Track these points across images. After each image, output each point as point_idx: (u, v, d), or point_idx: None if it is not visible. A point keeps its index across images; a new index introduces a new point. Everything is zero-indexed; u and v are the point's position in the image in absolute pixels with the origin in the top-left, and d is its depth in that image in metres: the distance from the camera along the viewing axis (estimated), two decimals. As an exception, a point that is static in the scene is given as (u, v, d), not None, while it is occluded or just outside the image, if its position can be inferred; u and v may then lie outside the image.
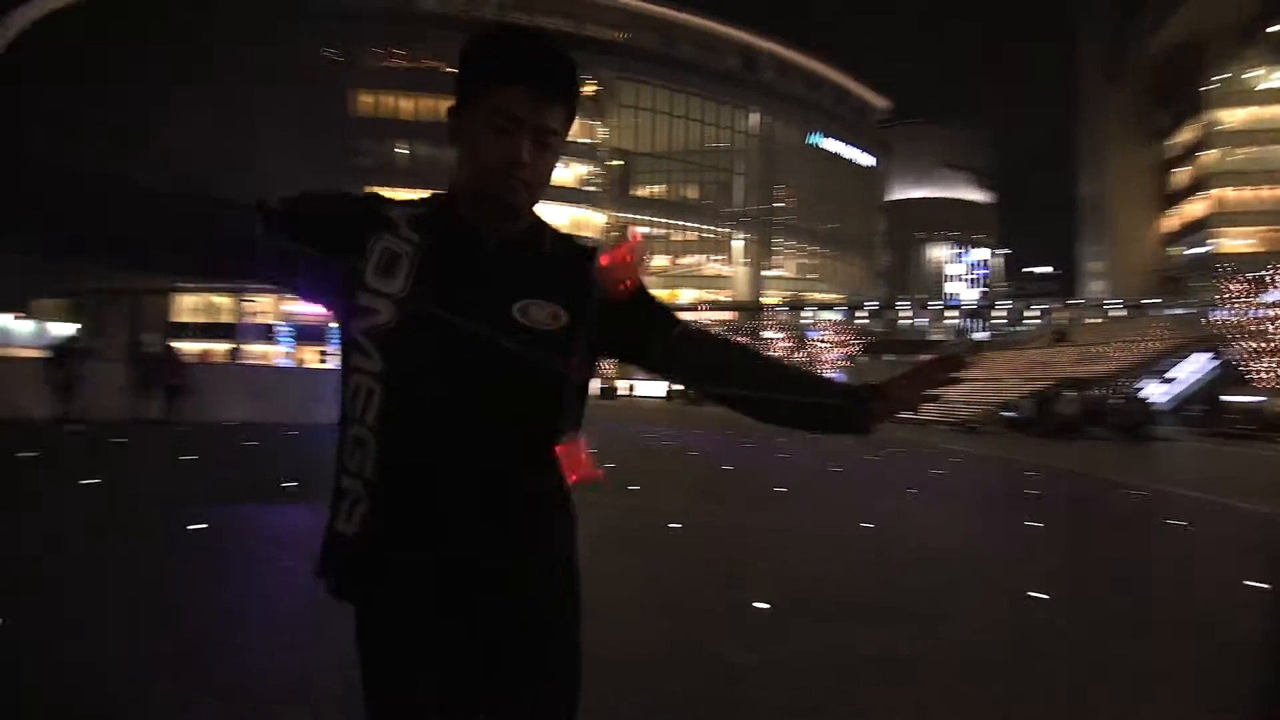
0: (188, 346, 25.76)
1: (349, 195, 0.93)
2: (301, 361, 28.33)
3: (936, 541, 5.07)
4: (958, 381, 0.90)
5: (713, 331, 1.05)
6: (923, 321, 47.76)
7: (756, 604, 3.11)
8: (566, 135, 0.90)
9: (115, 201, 0.77)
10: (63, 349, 10.67)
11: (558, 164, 0.93)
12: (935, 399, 0.93)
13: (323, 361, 25.96)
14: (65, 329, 18.83)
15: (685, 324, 1.00)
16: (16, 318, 26.90)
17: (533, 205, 0.90)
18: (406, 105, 38.87)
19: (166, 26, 32.30)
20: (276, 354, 31.85)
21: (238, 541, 4.01)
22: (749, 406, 0.97)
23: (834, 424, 0.98)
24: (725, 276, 48.61)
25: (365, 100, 39.13)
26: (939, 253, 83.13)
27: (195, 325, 34.25)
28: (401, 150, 39.10)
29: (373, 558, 0.84)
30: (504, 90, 0.81)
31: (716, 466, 9.03)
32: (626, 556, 3.82)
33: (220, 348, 31.38)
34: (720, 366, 0.95)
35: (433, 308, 0.82)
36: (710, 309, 43.17)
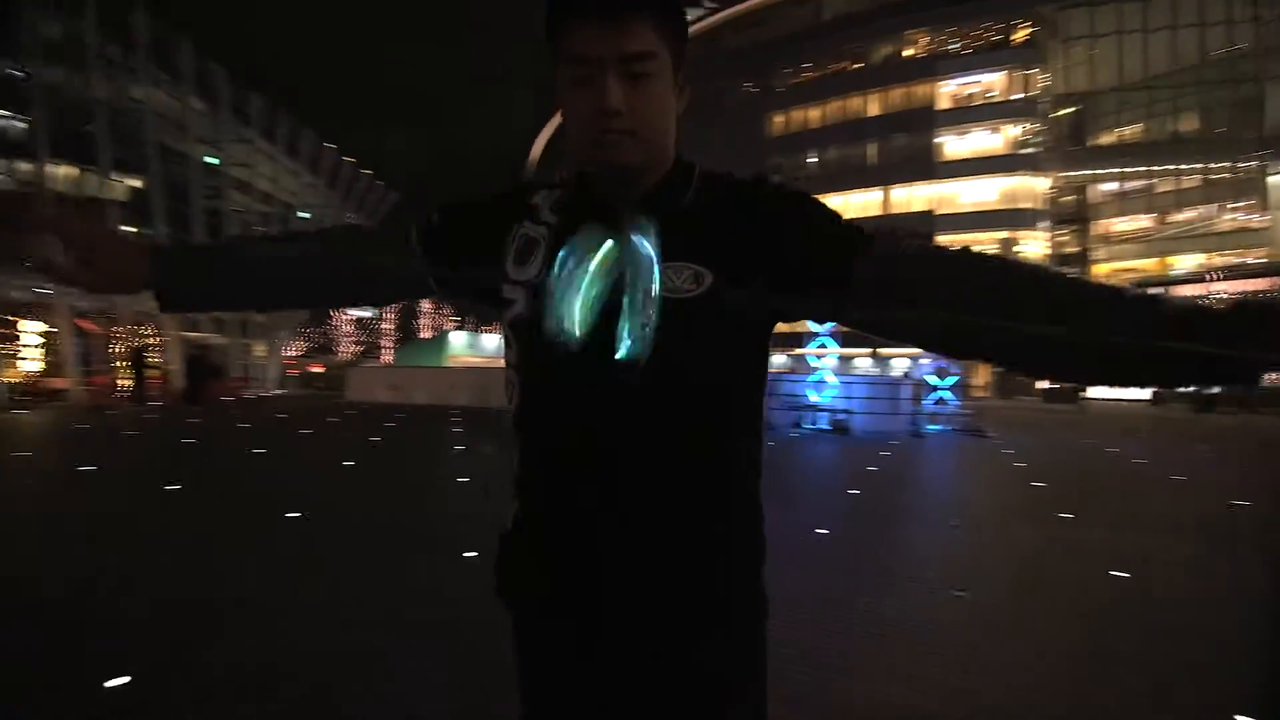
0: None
1: (494, 194, 0.87)
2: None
3: None
4: None
5: (946, 247, 0.74)
6: None
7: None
8: (678, 52, 0.74)
9: (303, 259, 0.87)
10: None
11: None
12: None
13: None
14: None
15: (896, 241, 0.73)
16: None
17: (653, 153, 0.74)
18: (814, 115, 40.18)
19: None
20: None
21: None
22: (1059, 362, 0.69)
23: (1224, 372, 0.62)
24: (1253, 230, 34.40)
25: (778, 120, 41.96)
26: None
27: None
28: (811, 159, 40.55)
29: (516, 560, 0.81)
30: (571, 31, 0.69)
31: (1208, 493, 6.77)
32: (1053, 625, 2.95)
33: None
34: (979, 302, 0.67)
35: (534, 288, 0.75)
36: (1226, 278, 31.27)
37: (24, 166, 17.94)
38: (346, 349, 51.06)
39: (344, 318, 48.27)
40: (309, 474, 6.61)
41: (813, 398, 12.33)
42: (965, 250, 0.73)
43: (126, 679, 2.15)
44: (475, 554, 3.55)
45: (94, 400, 15.95)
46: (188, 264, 0.89)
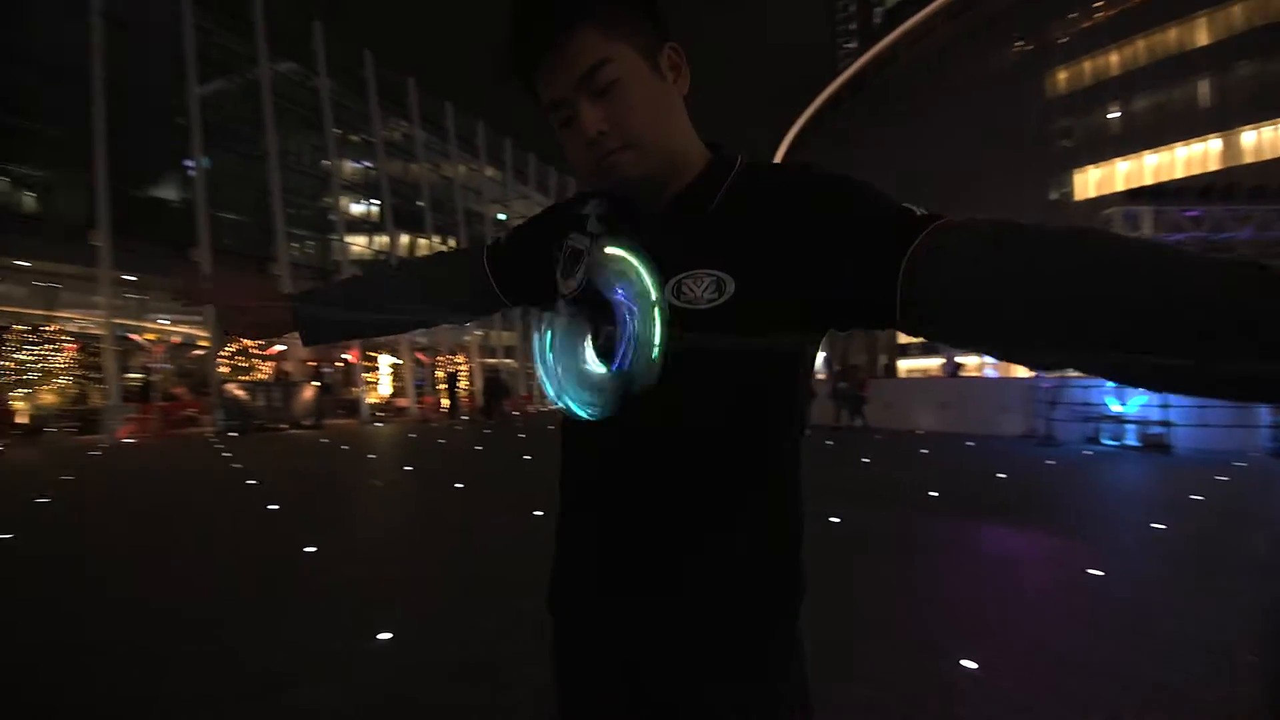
0: (909, 364, 29.61)
1: (556, 204, 0.87)
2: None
3: None
4: None
5: (1019, 224, 0.55)
6: None
7: None
8: (644, 36, 0.68)
9: (403, 286, 0.96)
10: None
11: None
12: None
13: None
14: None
15: (953, 224, 0.58)
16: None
17: (661, 155, 0.69)
18: (1113, 60, 32.90)
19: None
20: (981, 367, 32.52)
21: (845, 540, 4.64)
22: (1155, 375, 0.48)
23: None
24: None
25: (1061, 77, 35.39)
26: None
27: (915, 345, 38.87)
28: (1112, 115, 33.25)
29: (556, 577, 0.81)
30: (536, 82, 0.68)
31: None
32: None
33: (934, 364, 34.54)
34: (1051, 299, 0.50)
35: (574, 303, 0.75)
36: None
37: (381, 240, 23.71)
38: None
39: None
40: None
41: (1114, 407, 9.98)
42: (1076, 230, 0.52)
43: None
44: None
45: (424, 415, 20.30)
46: (318, 307, 1.00)
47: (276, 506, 5.50)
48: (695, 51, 0.74)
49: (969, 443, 10.50)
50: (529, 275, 0.83)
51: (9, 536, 4.48)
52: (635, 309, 0.67)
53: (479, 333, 27.42)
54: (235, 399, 15.19)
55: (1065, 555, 3.94)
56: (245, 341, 16.04)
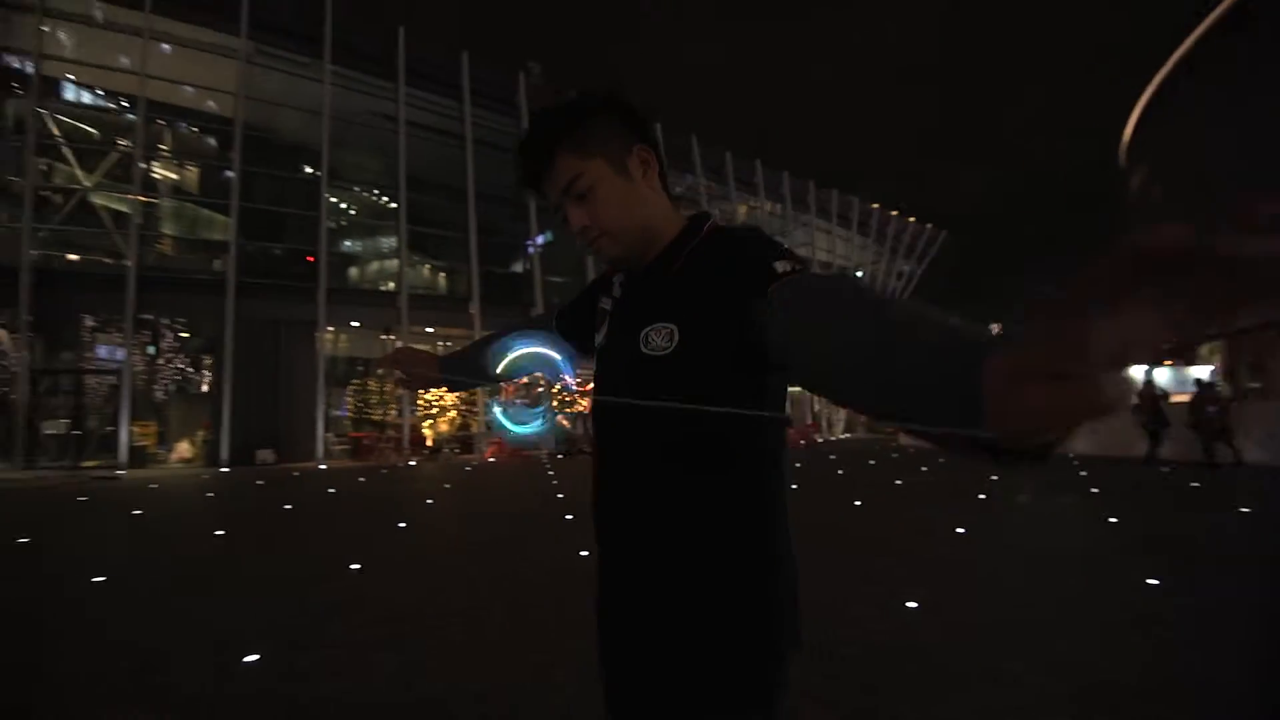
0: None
1: (597, 278, 1.06)
2: None
3: None
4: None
5: (851, 283, 0.65)
6: None
7: None
8: (611, 146, 0.86)
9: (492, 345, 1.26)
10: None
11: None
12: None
13: None
14: (1200, 371, 19.35)
15: (798, 277, 0.71)
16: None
17: (633, 237, 0.87)
18: None
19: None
20: None
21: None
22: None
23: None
24: None
25: None
26: None
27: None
28: None
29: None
30: (541, 193, 0.90)
31: None
32: None
33: None
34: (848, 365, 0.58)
35: (599, 352, 0.95)
36: None
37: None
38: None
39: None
40: (819, 504, 7.43)
41: None
42: (890, 300, 0.60)
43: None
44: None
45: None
46: (454, 363, 1.32)
47: (571, 517, 6.71)
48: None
49: None
50: (584, 330, 1.06)
51: (404, 525, 6.45)
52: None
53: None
54: (562, 428, 18.46)
55: None
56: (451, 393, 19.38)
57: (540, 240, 21.49)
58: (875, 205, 35.00)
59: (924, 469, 11.61)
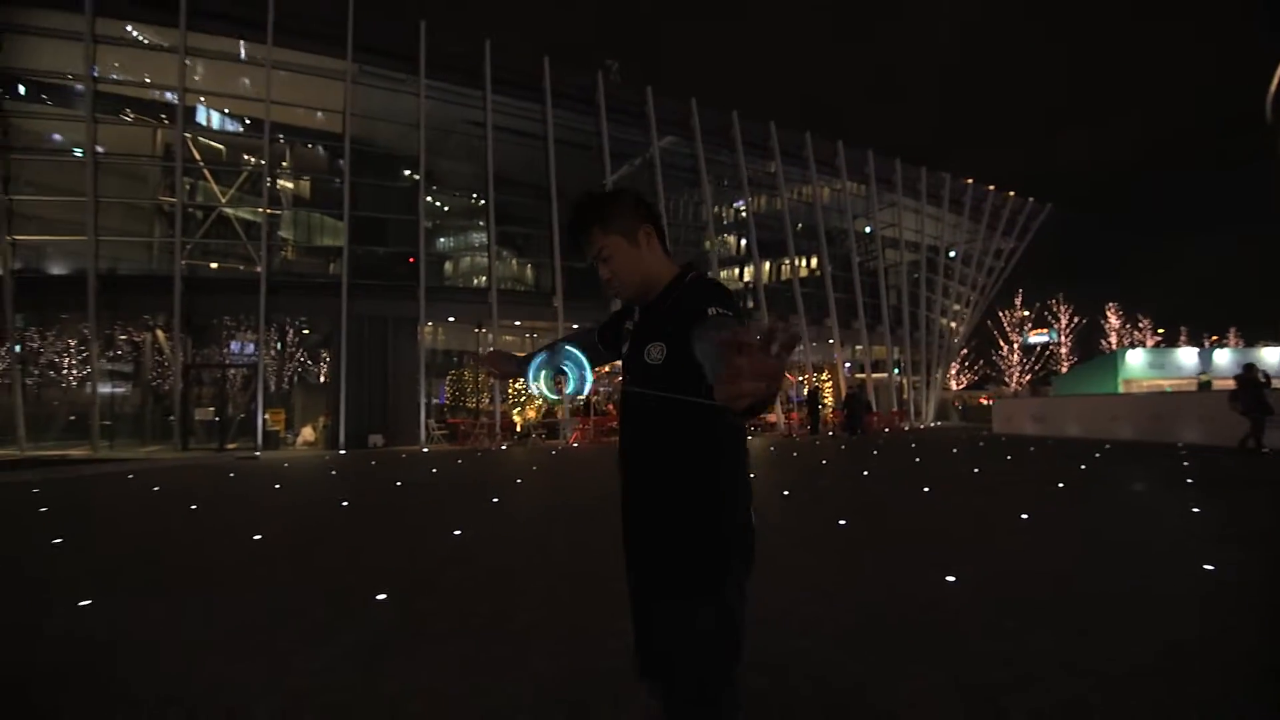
0: None
1: (621, 308, 1.61)
2: None
3: None
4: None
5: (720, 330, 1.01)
6: None
7: None
8: (626, 225, 1.40)
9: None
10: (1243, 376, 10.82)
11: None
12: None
13: None
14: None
15: (716, 317, 1.20)
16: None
17: (637, 286, 1.41)
18: None
19: None
20: None
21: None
22: None
23: None
24: None
25: None
26: None
27: None
28: None
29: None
30: (582, 259, 1.49)
31: None
32: None
33: None
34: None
35: (621, 359, 1.50)
36: None
37: (765, 266, 26.24)
38: (1017, 379, 48.23)
39: (1008, 348, 46.11)
40: (892, 490, 7.57)
41: None
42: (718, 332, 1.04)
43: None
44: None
45: (789, 430, 21.60)
46: (524, 361, 1.78)
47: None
48: None
49: None
50: (615, 342, 1.63)
51: (496, 500, 7.22)
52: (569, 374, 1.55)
53: (858, 347, 27.57)
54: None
55: None
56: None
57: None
58: (969, 180, 33.12)
59: (1008, 458, 11.28)
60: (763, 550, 1.44)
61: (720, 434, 1.33)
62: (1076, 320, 46.22)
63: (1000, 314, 45.27)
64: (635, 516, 1.41)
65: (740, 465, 1.36)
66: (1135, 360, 24.56)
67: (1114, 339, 48.87)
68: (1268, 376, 11.10)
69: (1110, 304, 48.37)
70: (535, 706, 2.32)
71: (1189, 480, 7.60)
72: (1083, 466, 9.29)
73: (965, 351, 45.01)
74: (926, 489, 7.44)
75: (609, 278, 1.42)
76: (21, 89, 17.20)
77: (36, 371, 19.45)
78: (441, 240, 22.05)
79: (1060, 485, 7.50)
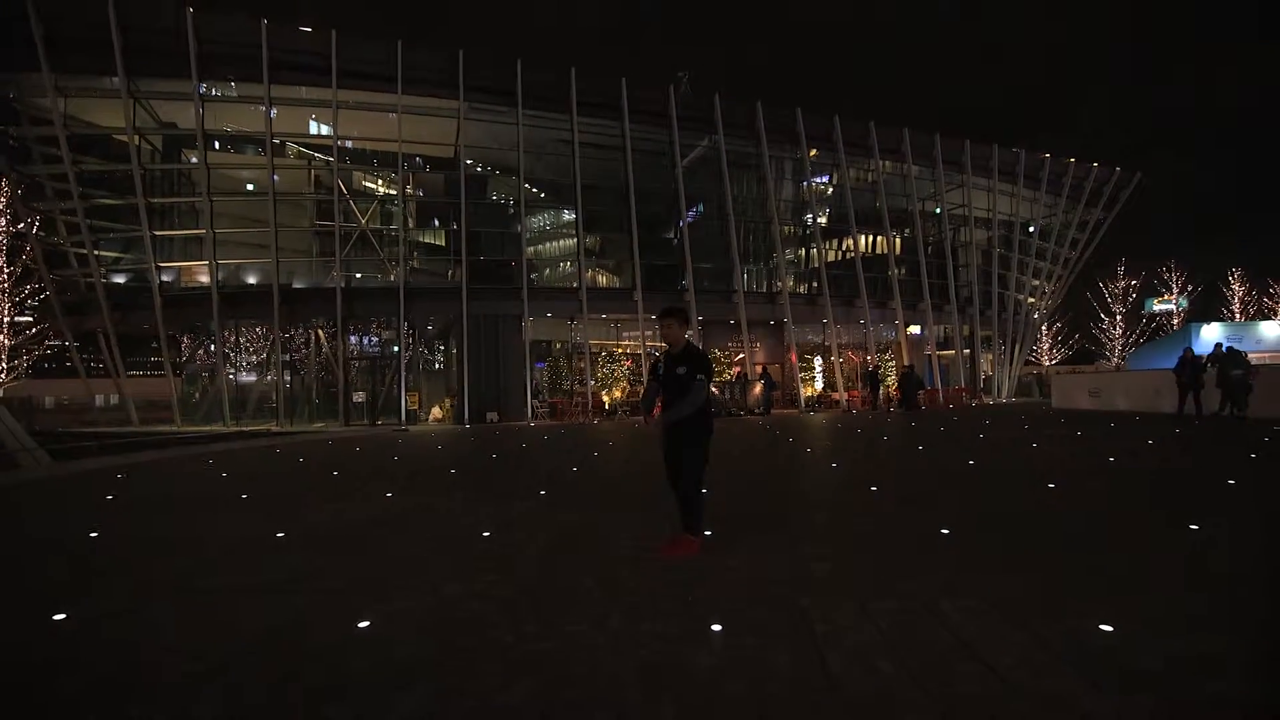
0: None
1: (661, 354, 4.64)
2: None
3: None
4: None
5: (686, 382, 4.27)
6: None
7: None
8: (679, 323, 4.38)
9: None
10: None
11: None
12: None
13: None
14: None
15: (707, 375, 4.34)
16: None
17: (676, 344, 4.37)
18: None
19: None
20: None
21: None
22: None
23: None
24: None
25: None
26: None
27: None
28: None
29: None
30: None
31: None
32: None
33: None
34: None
35: (661, 376, 4.50)
36: None
37: (814, 251, 28.05)
38: (1120, 353, 46.19)
39: (1109, 321, 44.33)
40: (927, 466, 9.93)
41: None
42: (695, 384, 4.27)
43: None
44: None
45: (850, 406, 23.59)
46: (650, 400, 4.87)
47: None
48: None
49: None
50: (659, 374, 4.65)
51: (575, 469, 10.27)
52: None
53: (915, 329, 28.82)
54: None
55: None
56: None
57: (691, 216, 24.82)
58: (1045, 155, 32.88)
59: (1026, 427, 13.10)
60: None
61: (705, 398, 4.28)
62: (1190, 289, 43.75)
63: (1100, 285, 43.80)
64: (675, 428, 4.35)
65: (709, 408, 4.29)
66: (1210, 335, 24.31)
67: (1237, 308, 45.83)
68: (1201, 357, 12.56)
69: (1234, 269, 45.22)
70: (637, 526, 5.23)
71: (1150, 442, 9.47)
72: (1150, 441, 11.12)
73: (1059, 325, 44.10)
74: (920, 447, 9.79)
75: (671, 343, 4.41)
76: (216, 144, 22.02)
77: (234, 365, 24.70)
78: (539, 247, 25.52)
79: (1012, 441, 9.60)
